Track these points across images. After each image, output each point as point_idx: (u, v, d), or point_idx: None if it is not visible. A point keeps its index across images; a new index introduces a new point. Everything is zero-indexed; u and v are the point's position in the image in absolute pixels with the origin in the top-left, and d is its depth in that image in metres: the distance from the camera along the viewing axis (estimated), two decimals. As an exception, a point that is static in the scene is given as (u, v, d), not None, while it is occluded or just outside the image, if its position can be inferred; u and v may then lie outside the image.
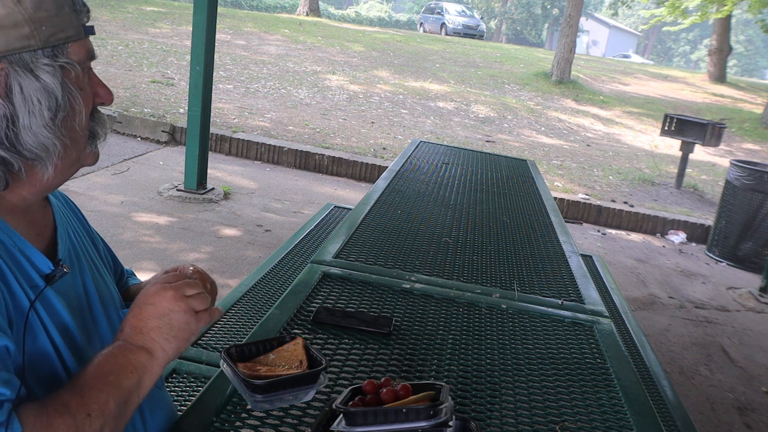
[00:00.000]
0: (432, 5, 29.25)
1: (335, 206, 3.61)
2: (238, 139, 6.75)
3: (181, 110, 7.40)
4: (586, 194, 6.80)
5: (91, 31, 0.91)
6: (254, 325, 1.90)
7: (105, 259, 1.14)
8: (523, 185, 2.99)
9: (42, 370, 0.84)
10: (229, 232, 4.57)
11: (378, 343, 1.32)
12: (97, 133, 0.96)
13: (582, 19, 23.81)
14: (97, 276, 1.04)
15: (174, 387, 1.74)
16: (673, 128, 7.88)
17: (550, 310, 1.61)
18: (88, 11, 0.91)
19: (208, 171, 5.32)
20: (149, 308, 0.90)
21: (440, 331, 1.42)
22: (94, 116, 0.95)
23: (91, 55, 0.91)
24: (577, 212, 6.43)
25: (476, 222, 2.27)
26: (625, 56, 36.23)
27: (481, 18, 33.95)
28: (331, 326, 1.36)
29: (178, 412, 1.17)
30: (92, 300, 0.99)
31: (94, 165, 1.00)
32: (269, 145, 6.70)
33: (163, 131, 6.71)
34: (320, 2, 23.60)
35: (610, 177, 7.85)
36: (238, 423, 1.01)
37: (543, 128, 10.36)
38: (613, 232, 6.25)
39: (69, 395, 0.78)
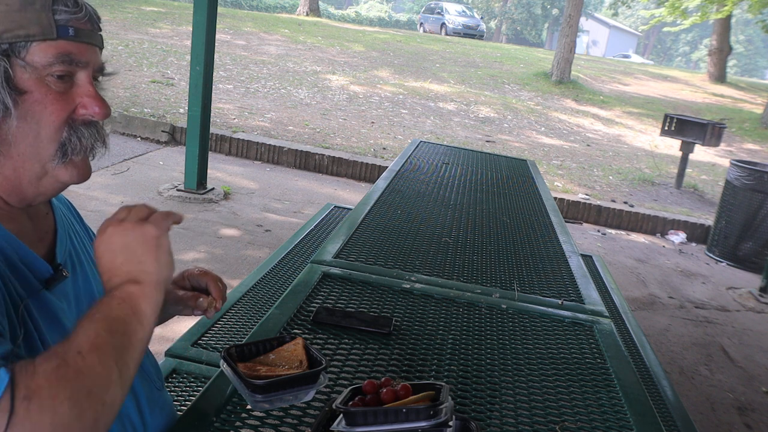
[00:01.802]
0: (432, 5, 29.24)
1: (335, 206, 3.61)
2: (238, 139, 6.75)
3: (181, 110, 7.39)
4: (586, 194, 6.80)
5: (72, 34, 0.84)
6: (254, 325, 1.90)
7: None
8: (523, 185, 2.99)
9: None
10: (229, 232, 4.57)
11: (378, 343, 1.32)
12: (67, 147, 0.86)
13: (582, 19, 23.80)
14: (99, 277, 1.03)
15: (174, 387, 1.74)
16: (673, 128, 7.88)
17: (550, 310, 1.61)
18: (86, 16, 0.86)
19: (208, 171, 5.32)
20: (106, 255, 0.83)
21: (440, 331, 1.42)
22: (74, 128, 0.87)
23: (69, 60, 0.85)
24: (577, 212, 6.43)
25: (476, 222, 2.27)
26: (625, 56, 36.22)
27: (481, 18, 33.91)
28: (331, 326, 1.36)
29: (178, 413, 1.17)
30: None
31: (82, 181, 0.90)
32: (269, 145, 6.70)
33: (163, 131, 6.71)
34: (320, 2, 23.60)
35: (610, 177, 7.85)
36: (238, 423, 1.01)
37: (543, 128, 10.35)
38: (613, 232, 6.25)
39: (56, 345, 0.72)
